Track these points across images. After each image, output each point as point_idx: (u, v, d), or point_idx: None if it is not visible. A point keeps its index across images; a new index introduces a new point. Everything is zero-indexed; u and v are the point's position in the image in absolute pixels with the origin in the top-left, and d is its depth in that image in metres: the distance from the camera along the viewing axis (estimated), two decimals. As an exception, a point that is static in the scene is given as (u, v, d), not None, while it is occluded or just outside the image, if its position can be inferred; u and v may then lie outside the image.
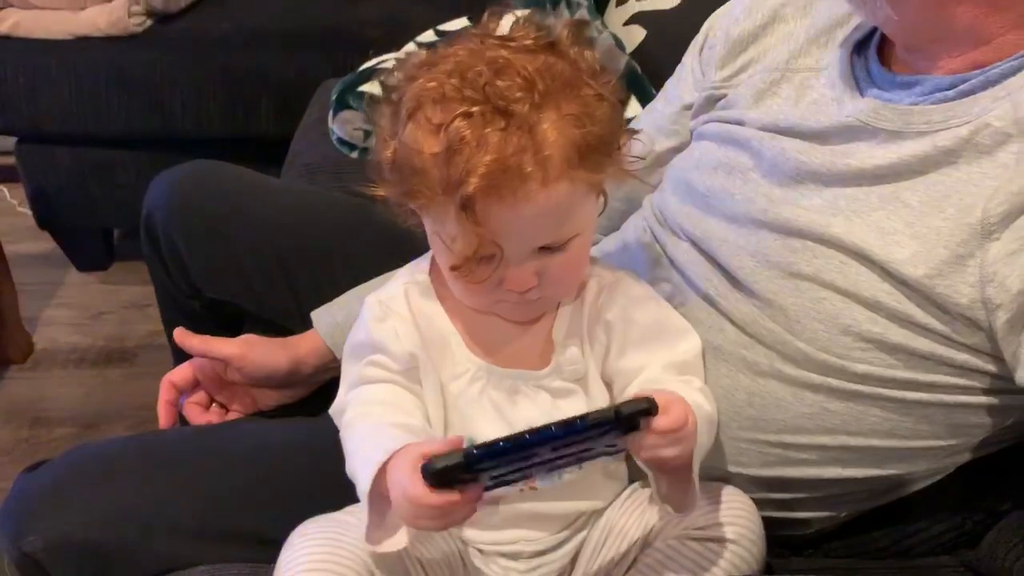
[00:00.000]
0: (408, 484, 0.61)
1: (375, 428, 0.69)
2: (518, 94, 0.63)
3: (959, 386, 0.70)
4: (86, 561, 0.82)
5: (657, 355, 0.73)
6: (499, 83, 0.63)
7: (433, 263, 0.75)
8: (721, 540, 0.72)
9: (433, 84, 0.65)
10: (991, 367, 0.69)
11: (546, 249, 0.67)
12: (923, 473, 0.77)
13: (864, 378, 0.71)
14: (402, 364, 0.73)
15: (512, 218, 0.64)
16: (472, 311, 0.73)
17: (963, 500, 0.81)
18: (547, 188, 0.64)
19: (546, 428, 0.58)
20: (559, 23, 0.68)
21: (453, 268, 0.67)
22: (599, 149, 0.66)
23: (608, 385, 0.75)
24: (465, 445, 0.62)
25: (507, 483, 0.63)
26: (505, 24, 0.69)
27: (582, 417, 0.58)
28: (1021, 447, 0.77)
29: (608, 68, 0.70)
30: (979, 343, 0.68)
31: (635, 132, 0.72)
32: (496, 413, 0.72)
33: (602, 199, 0.71)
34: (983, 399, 0.71)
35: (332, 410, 0.76)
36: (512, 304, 0.70)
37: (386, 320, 0.73)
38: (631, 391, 0.71)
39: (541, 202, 0.64)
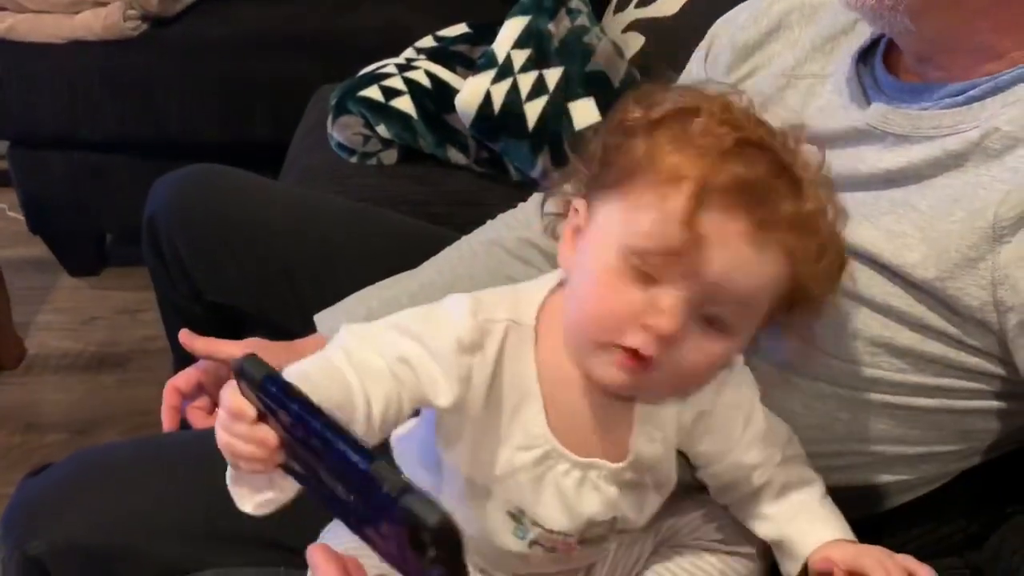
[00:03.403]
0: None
1: (319, 372, 0.59)
2: (786, 155, 0.62)
3: (968, 390, 0.71)
4: (91, 565, 0.82)
5: (745, 449, 0.70)
6: (772, 133, 0.63)
7: (543, 308, 0.66)
8: (734, 554, 0.72)
9: (693, 101, 0.63)
10: (1000, 371, 0.69)
11: (704, 321, 0.60)
12: (930, 477, 0.78)
13: (874, 384, 0.72)
14: (442, 401, 0.62)
15: (726, 243, 0.58)
16: (562, 380, 0.65)
17: (970, 502, 0.81)
18: (778, 250, 0.60)
19: (323, 423, 0.48)
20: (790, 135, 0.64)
21: (632, 251, 0.60)
22: (827, 270, 0.63)
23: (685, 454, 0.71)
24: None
25: (298, 472, 0.52)
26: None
27: (364, 455, 0.46)
28: (1026, 451, 0.78)
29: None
30: (989, 346, 0.68)
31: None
32: (558, 499, 0.66)
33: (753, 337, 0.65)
34: (992, 403, 0.72)
35: (347, 327, 0.64)
36: (628, 353, 0.60)
37: (471, 354, 0.62)
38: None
39: (764, 256, 0.59)
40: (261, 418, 0.52)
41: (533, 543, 0.68)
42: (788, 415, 0.74)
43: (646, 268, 0.59)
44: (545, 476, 0.66)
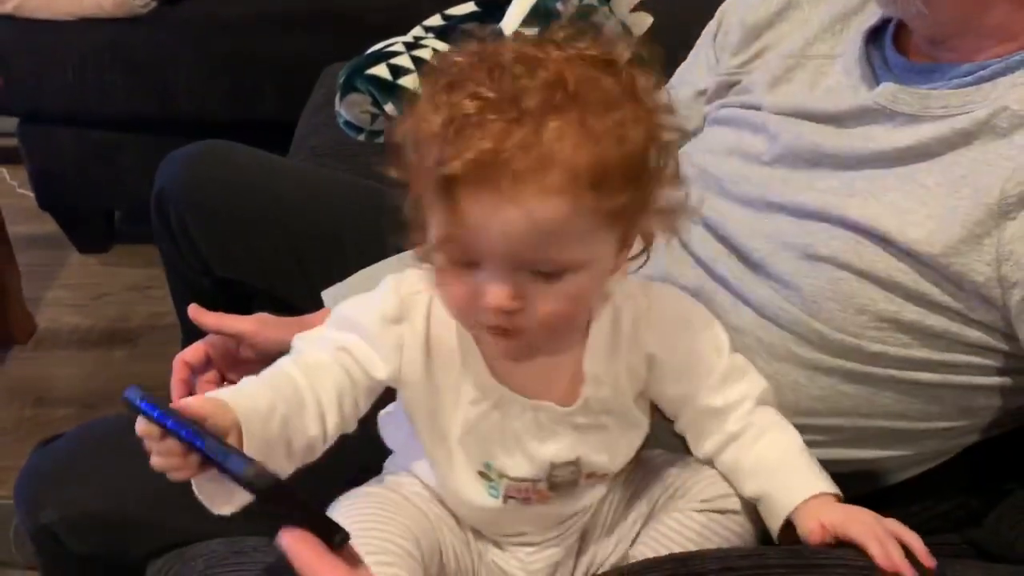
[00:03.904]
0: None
1: (252, 384, 0.64)
2: (540, 88, 0.58)
3: (972, 365, 0.72)
4: (102, 533, 0.83)
5: (709, 388, 0.71)
6: (523, 72, 0.58)
7: None
8: (723, 511, 0.73)
9: (460, 61, 0.61)
10: (1004, 346, 0.70)
11: (536, 273, 0.60)
12: (931, 454, 0.79)
13: (878, 358, 0.72)
14: (382, 375, 0.68)
15: (489, 218, 0.58)
16: None
17: (969, 479, 0.82)
18: (539, 198, 0.57)
19: (167, 415, 0.56)
20: (626, 45, 0.62)
21: (420, 256, 0.63)
22: (618, 175, 0.59)
23: (655, 406, 0.73)
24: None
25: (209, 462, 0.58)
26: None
27: (203, 439, 0.56)
28: (1026, 429, 0.78)
29: (669, 107, 0.63)
30: (993, 321, 0.69)
31: (681, 181, 0.64)
32: (517, 445, 0.69)
33: (640, 247, 0.65)
34: (994, 379, 0.72)
35: (298, 336, 0.71)
36: (493, 330, 0.63)
37: (399, 324, 0.68)
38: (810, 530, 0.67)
39: (527, 211, 0.57)
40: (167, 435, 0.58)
41: (507, 498, 0.71)
42: (792, 387, 0.75)
43: (458, 257, 0.61)
44: (502, 424, 0.69)
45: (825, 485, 0.69)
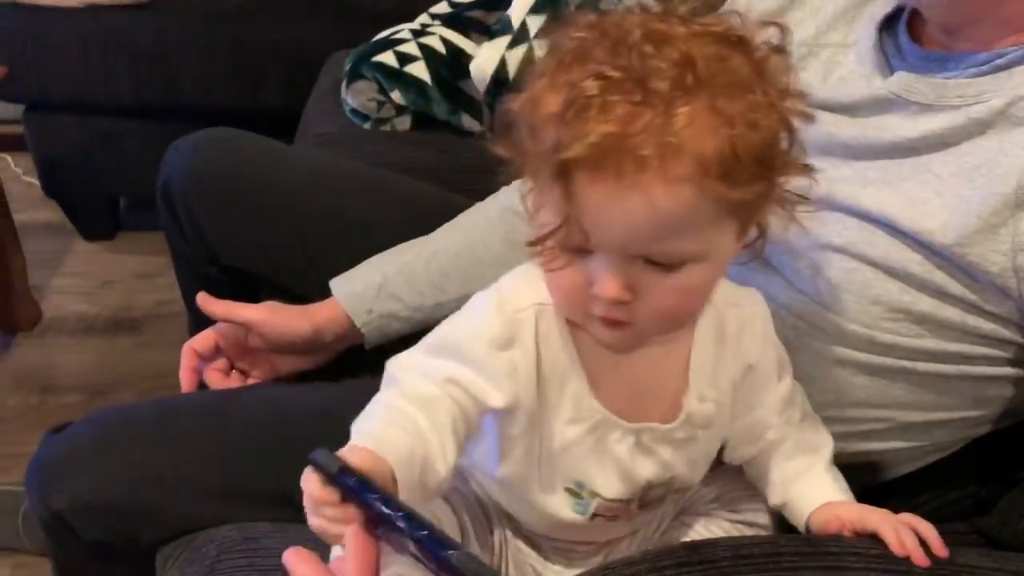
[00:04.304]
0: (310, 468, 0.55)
1: (386, 430, 0.60)
2: (669, 69, 0.54)
3: (985, 357, 0.71)
4: (112, 520, 0.83)
5: (771, 405, 0.70)
6: (651, 51, 0.54)
7: None
8: (751, 524, 0.73)
9: (581, 36, 0.57)
10: (1018, 337, 0.70)
11: (651, 263, 0.57)
12: (943, 444, 0.79)
13: (891, 349, 0.72)
14: (498, 403, 0.63)
15: (608, 205, 0.54)
16: (604, 351, 0.64)
17: (979, 469, 0.82)
18: (664, 186, 0.54)
19: (409, 520, 0.52)
20: (757, 23, 0.58)
21: (530, 244, 0.59)
22: (748, 164, 0.55)
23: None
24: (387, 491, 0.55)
25: (388, 537, 0.55)
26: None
27: (447, 555, 0.51)
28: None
29: (799, 91, 0.59)
30: (1008, 312, 0.69)
31: (811, 169, 0.61)
32: (614, 467, 0.67)
33: (755, 234, 0.61)
34: (1008, 370, 0.72)
35: (394, 361, 0.66)
36: (600, 322, 0.60)
37: (509, 349, 0.63)
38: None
39: (649, 199, 0.54)
40: (344, 498, 0.54)
41: (594, 515, 0.69)
42: (805, 378, 0.75)
43: (571, 245, 0.58)
44: (599, 446, 0.66)
45: (844, 496, 0.69)
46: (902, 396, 0.74)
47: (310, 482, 0.54)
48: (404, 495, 0.57)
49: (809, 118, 0.60)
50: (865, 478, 0.81)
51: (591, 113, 0.54)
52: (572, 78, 0.55)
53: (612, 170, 0.54)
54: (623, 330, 0.61)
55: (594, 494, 0.68)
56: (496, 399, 0.63)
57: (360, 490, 0.53)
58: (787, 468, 0.71)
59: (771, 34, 0.59)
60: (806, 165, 0.61)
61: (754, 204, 0.58)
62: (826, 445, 0.73)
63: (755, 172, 0.56)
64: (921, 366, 0.73)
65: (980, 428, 0.78)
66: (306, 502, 0.55)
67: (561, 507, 0.69)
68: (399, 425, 0.60)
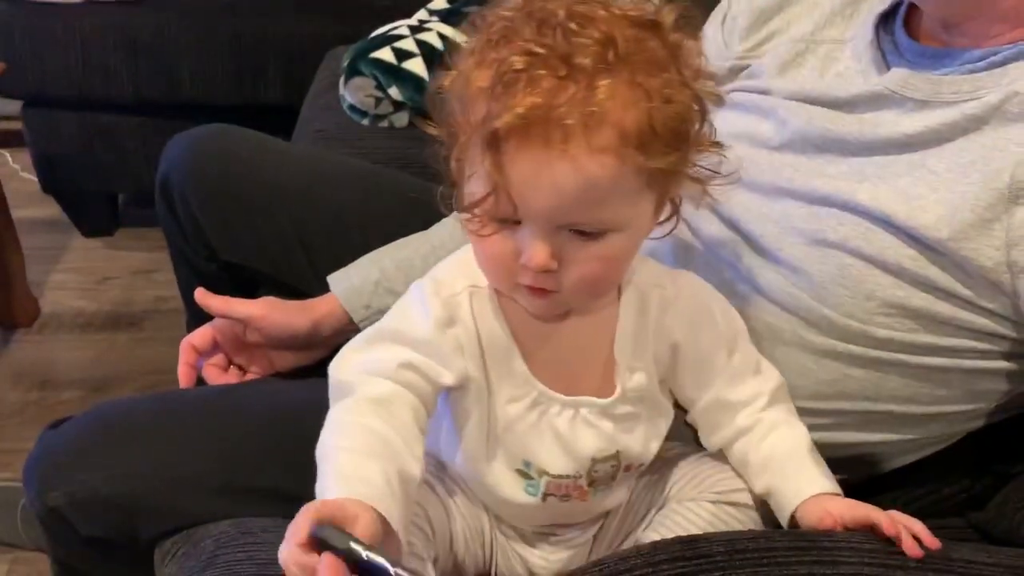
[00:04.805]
0: (295, 525, 0.56)
1: (353, 462, 0.61)
2: (591, 47, 0.58)
3: (978, 351, 0.72)
4: (110, 516, 0.83)
5: (724, 381, 0.72)
6: (575, 28, 0.58)
7: None
8: (735, 503, 0.73)
9: (508, 16, 0.61)
10: (1011, 332, 0.70)
11: (577, 233, 0.61)
12: (937, 438, 0.79)
13: (886, 343, 0.72)
14: (450, 380, 0.66)
15: (536, 173, 0.58)
16: (535, 327, 0.67)
17: (973, 463, 0.83)
18: (588, 155, 0.57)
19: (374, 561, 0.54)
20: (671, 8, 0.62)
21: (460, 210, 0.62)
22: (664, 136, 0.59)
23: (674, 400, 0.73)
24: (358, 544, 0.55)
25: None
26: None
27: None
28: (1032, 414, 0.79)
29: (709, 72, 0.64)
30: (1001, 308, 0.69)
31: (720, 145, 0.65)
32: (556, 442, 0.69)
33: (669, 209, 0.65)
34: (1001, 364, 0.72)
35: (335, 367, 0.68)
36: (528, 291, 0.64)
37: (453, 326, 0.67)
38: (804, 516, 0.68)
39: (575, 167, 0.57)
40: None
41: (546, 495, 0.70)
42: (800, 371, 0.75)
43: (499, 214, 0.61)
44: (540, 422, 0.69)
45: (830, 485, 0.70)
46: (898, 389, 0.75)
47: (324, 562, 0.54)
48: (396, 520, 0.58)
49: (719, 100, 0.65)
50: (861, 471, 0.81)
51: (519, 86, 0.57)
52: (500, 55, 0.59)
53: (539, 139, 0.57)
54: (548, 298, 0.64)
55: (542, 472, 0.70)
56: (447, 376, 0.67)
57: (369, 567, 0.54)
58: (766, 450, 0.72)
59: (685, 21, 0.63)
60: (717, 143, 0.65)
61: (670, 175, 0.62)
62: (803, 430, 0.73)
63: (670, 143, 0.60)
64: (916, 359, 0.73)
65: (974, 422, 0.78)
66: (286, 549, 0.55)
67: (515, 490, 0.70)
68: (366, 453, 0.61)
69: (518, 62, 0.58)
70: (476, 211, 0.61)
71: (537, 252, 0.61)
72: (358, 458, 0.61)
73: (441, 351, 0.66)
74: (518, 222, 0.61)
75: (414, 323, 0.67)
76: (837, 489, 0.70)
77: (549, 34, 0.58)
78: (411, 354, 0.66)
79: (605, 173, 0.58)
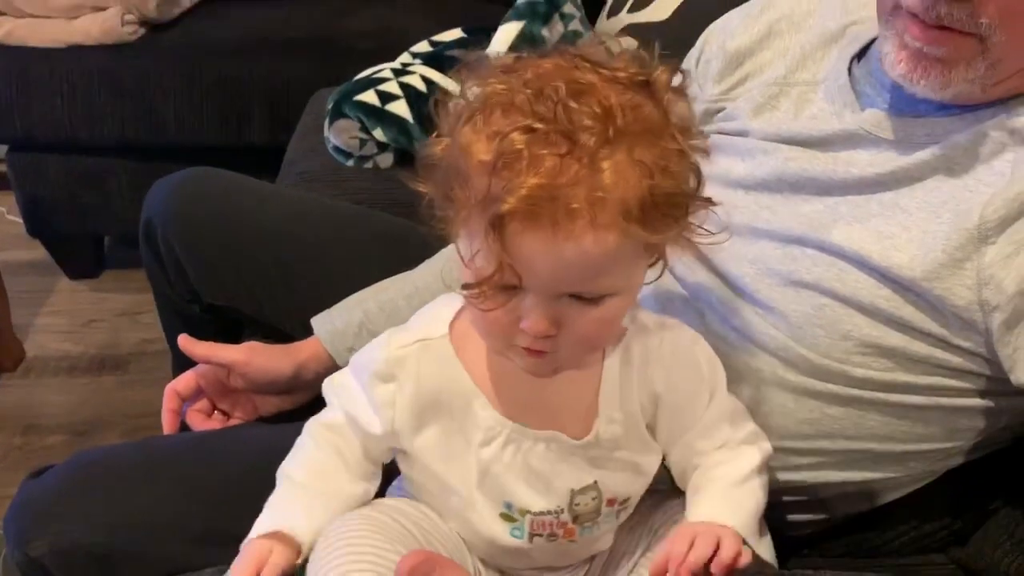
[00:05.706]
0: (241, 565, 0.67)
1: (294, 495, 0.73)
2: (590, 123, 0.58)
3: (955, 389, 0.72)
4: (92, 565, 0.83)
5: (700, 431, 0.72)
6: (574, 106, 0.58)
7: (458, 317, 0.70)
8: None
9: (503, 88, 0.60)
10: (985, 370, 0.71)
11: (576, 298, 0.61)
12: (918, 475, 0.79)
13: (863, 382, 0.73)
14: (378, 430, 0.70)
15: (542, 253, 0.58)
16: (499, 366, 0.68)
17: (954, 500, 0.83)
18: (592, 233, 0.58)
19: None
20: (660, 66, 0.62)
21: (465, 287, 0.62)
22: (664, 208, 0.60)
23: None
24: None
25: None
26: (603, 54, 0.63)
27: None
28: (1010, 449, 0.79)
29: (698, 128, 0.65)
30: (974, 346, 0.70)
31: (712, 203, 0.65)
32: (533, 477, 0.69)
33: (661, 265, 0.66)
34: (977, 401, 0.73)
35: (331, 377, 0.76)
36: (524, 352, 0.64)
37: (388, 382, 0.69)
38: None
39: (580, 246, 0.58)
40: None
41: (533, 536, 0.70)
42: (781, 410, 0.75)
43: (499, 285, 0.60)
44: (515, 460, 0.69)
45: (728, 518, 0.68)
46: (876, 427, 0.75)
47: None
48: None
49: (707, 154, 0.64)
50: (843, 509, 0.81)
51: (521, 165, 0.57)
52: (498, 128, 0.59)
53: (546, 221, 0.57)
54: (544, 358, 0.64)
55: (524, 511, 0.70)
56: (376, 426, 0.70)
57: None
58: (697, 480, 0.72)
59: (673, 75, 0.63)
60: (708, 199, 0.65)
61: (669, 241, 0.64)
62: (741, 466, 0.72)
63: (670, 215, 0.61)
64: (894, 398, 0.73)
65: (954, 459, 0.78)
66: None
67: (502, 535, 0.71)
68: (305, 490, 0.72)
69: (518, 139, 0.57)
70: (484, 287, 0.61)
71: (539, 320, 0.61)
72: (295, 493, 0.72)
73: (374, 403, 0.70)
74: (521, 289, 0.61)
75: (362, 367, 0.72)
76: (732, 522, 0.68)
77: (547, 107, 0.58)
78: (357, 396, 0.71)
79: (609, 249, 0.59)
